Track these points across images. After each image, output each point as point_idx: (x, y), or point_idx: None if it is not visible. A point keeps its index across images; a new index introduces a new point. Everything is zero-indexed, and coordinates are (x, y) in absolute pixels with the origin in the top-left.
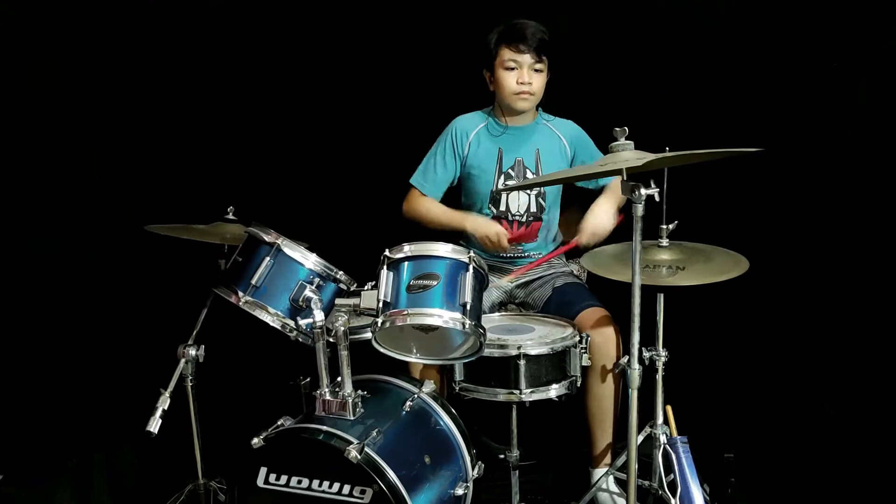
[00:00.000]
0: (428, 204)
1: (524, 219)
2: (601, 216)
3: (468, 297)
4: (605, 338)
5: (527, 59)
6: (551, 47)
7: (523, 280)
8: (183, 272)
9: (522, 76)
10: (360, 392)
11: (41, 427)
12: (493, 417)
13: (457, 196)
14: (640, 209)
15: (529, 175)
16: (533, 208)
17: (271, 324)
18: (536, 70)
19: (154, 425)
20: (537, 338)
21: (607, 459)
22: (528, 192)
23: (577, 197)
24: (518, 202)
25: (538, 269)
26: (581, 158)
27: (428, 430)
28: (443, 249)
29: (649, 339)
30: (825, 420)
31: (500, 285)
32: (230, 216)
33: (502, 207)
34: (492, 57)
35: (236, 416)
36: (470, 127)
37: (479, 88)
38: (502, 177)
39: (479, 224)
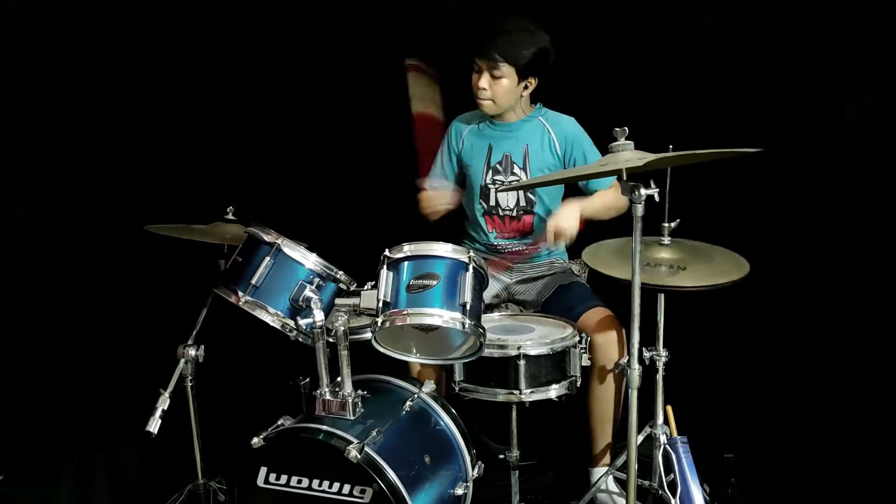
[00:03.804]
0: None
1: (514, 213)
2: (564, 217)
3: (468, 297)
4: (609, 339)
5: (485, 64)
6: (518, 55)
7: (523, 277)
8: (183, 272)
9: (479, 80)
10: (359, 392)
11: (41, 427)
12: (493, 417)
13: None
14: (640, 209)
15: (517, 169)
16: (522, 202)
17: (271, 324)
18: (494, 76)
19: (154, 425)
20: (537, 338)
21: (607, 459)
22: None
23: (574, 193)
24: (507, 197)
25: (539, 268)
26: (573, 156)
27: (428, 430)
28: (442, 249)
29: (650, 339)
30: (825, 420)
31: (500, 279)
32: (230, 216)
33: (492, 202)
34: None
35: (236, 416)
36: (464, 124)
37: None
38: (490, 171)
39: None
